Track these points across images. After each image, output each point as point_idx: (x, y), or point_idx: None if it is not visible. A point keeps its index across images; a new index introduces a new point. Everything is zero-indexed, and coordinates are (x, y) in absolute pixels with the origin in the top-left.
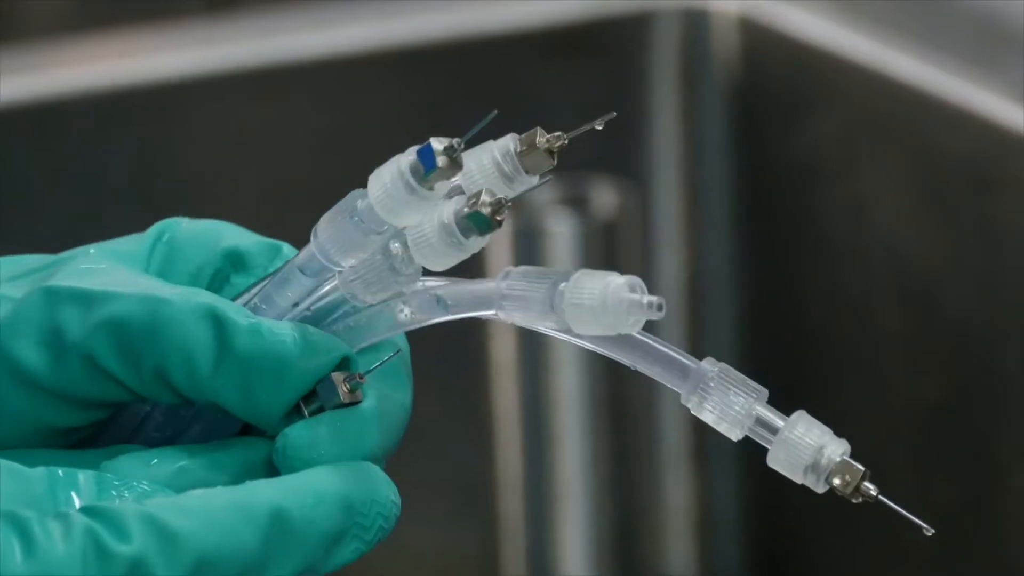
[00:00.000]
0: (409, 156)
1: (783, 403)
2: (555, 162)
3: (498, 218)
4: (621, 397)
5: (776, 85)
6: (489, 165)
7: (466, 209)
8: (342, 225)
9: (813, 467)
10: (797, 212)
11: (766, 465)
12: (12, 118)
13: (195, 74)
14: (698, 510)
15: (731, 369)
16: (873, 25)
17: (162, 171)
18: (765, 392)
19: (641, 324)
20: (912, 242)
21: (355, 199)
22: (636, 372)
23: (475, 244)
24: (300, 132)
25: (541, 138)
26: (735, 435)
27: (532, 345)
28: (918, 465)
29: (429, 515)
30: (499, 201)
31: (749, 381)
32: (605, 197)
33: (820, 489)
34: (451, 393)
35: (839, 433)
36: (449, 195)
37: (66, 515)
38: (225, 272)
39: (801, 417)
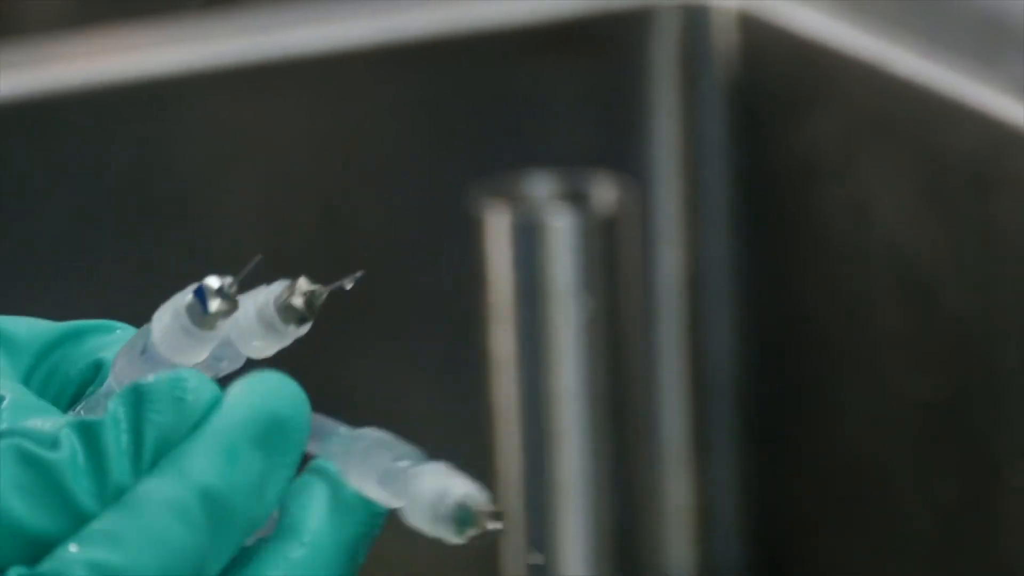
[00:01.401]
0: (186, 296)
1: (784, 402)
2: (312, 318)
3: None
4: (621, 394)
5: (776, 82)
6: (251, 314)
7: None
8: (133, 362)
9: (435, 515)
10: (797, 209)
11: (767, 463)
12: (10, 114)
13: (194, 70)
14: (698, 508)
15: (382, 434)
16: (875, 22)
17: (161, 167)
18: (420, 453)
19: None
20: (913, 240)
21: (145, 334)
22: (635, 371)
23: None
24: (299, 128)
25: (297, 292)
26: (392, 503)
27: (532, 341)
28: (918, 464)
29: None
30: (312, 292)
31: (400, 443)
32: (604, 193)
33: (453, 540)
34: (449, 390)
35: (839, 432)
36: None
37: None
38: (89, 381)
39: (431, 466)
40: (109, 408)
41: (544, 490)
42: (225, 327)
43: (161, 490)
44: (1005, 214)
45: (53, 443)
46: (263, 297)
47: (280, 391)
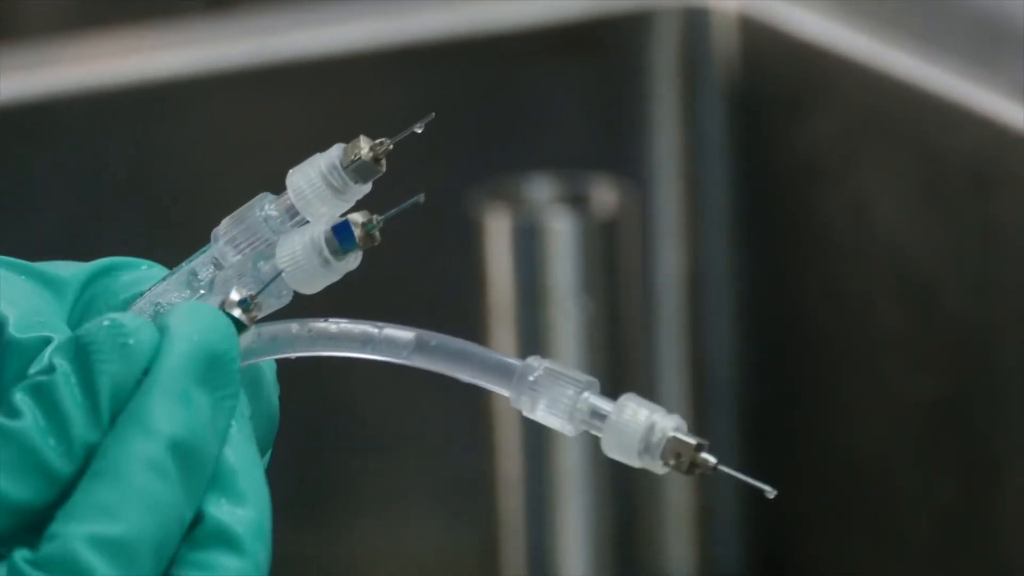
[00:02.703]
0: (324, 228)
1: (783, 402)
2: (383, 168)
3: (372, 235)
4: (621, 394)
5: (776, 84)
6: (316, 179)
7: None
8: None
9: (646, 450)
10: (797, 211)
11: (767, 463)
12: (11, 117)
13: (194, 73)
14: (698, 509)
15: (557, 363)
16: (874, 24)
17: (161, 169)
18: (596, 382)
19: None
20: (912, 241)
21: (259, 260)
22: (637, 372)
23: (346, 264)
24: (300, 131)
25: (365, 147)
26: (569, 430)
27: (532, 343)
28: (918, 464)
29: (429, 514)
30: (370, 220)
31: (578, 373)
32: (605, 195)
33: (659, 471)
34: (450, 392)
35: (839, 432)
36: (283, 216)
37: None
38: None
39: (629, 400)
40: (55, 364)
41: (545, 491)
42: (357, 260)
43: (134, 449)
44: (1004, 214)
45: (12, 412)
46: (324, 162)
47: (213, 324)
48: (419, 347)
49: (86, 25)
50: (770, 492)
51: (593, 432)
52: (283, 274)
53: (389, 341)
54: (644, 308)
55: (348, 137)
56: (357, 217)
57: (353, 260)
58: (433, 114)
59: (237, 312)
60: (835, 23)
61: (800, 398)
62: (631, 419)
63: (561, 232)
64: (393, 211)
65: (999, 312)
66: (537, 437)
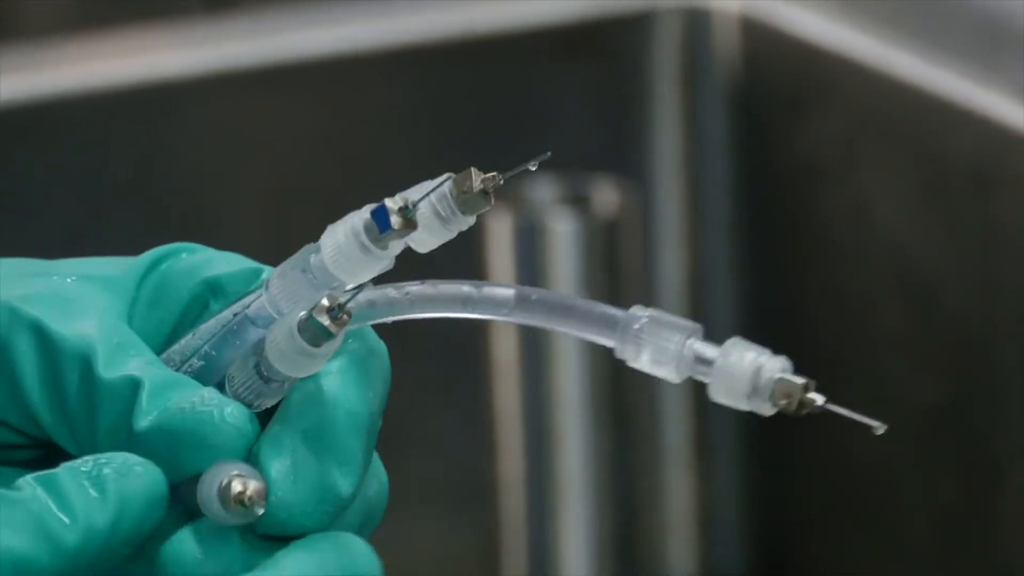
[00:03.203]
0: (364, 215)
1: None
2: (491, 203)
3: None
4: (622, 396)
5: (777, 84)
6: (425, 209)
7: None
8: (294, 279)
9: (755, 392)
10: (798, 211)
11: (768, 463)
12: (12, 117)
13: (195, 73)
14: (699, 509)
15: (663, 313)
16: (875, 24)
17: (163, 170)
18: (700, 328)
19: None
20: (913, 241)
21: (308, 254)
22: (636, 374)
23: (389, 251)
24: (301, 131)
25: (476, 180)
26: (674, 377)
27: (533, 344)
28: (919, 464)
29: (430, 515)
30: (407, 204)
31: (683, 320)
32: (606, 196)
33: (768, 412)
34: (452, 393)
35: (840, 433)
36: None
37: None
38: (204, 299)
39: (735, 344)
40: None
41: (546, 493)
42: (398, 247)
43: None
44: (1005, 215)
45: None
46: (434, 193)
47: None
48: (520, 303)
49: (86, 25)
50: (879, 427)
51: (699, 378)
52: (327, 263)
53: (489, 299)
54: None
55: (349, 137)
56: (392, 202)
57: (396, 246)
58: (549, 153)
59: (326, 320)
60: (836, 24)
61: None
62: (737, 362)
63: (562, 232)
64: (512, 171)
65: (999, 312)
66: (539, 438)
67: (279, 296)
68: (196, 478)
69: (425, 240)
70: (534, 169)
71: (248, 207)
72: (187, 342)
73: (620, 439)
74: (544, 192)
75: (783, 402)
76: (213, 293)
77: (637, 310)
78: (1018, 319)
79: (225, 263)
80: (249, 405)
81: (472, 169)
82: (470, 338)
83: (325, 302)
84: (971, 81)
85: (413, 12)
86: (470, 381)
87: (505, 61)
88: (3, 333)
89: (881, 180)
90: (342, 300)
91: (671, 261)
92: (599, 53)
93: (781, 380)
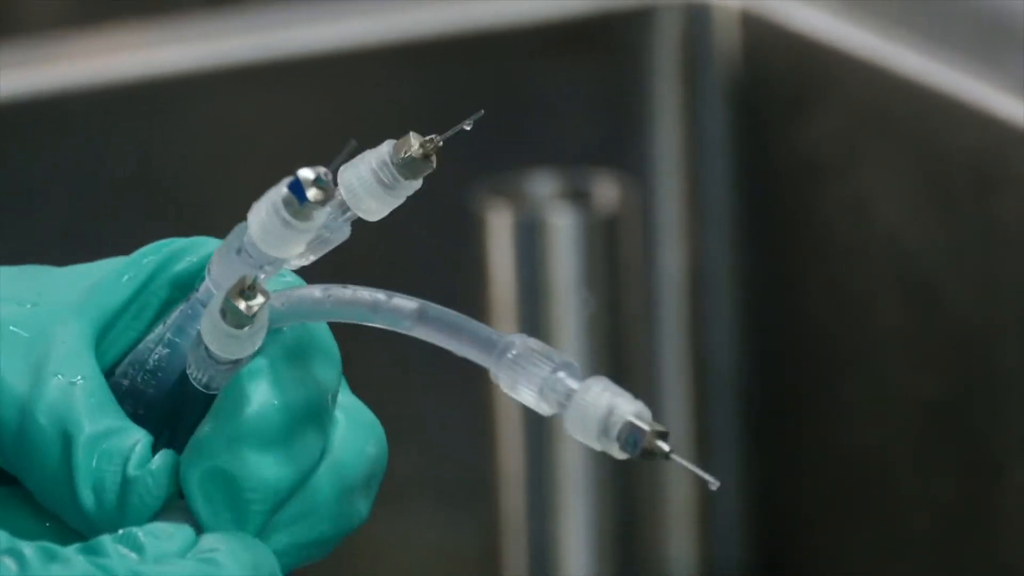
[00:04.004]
0: (281, 189)
1: (784, 401)
2: (433, 165)
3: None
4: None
5: (778, 81)
6: (367, 176)
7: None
8: (230, 259)
9: (604, 432)
10: (799, 208)
11: (768, 462)
12: (12, 113)
13: (195, 69)
14: (700, 506)
15: (540, 344)
16: (876, 21)
17: (163, 166)
18: (574, 364)
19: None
20: (914, 239)
21: (240, 233)
22: (637, 370)
23: (310, 224)
24: (302, 127)
25: (415, 144)
26: (544, 409)
27: (533, 338)
28: (919, 463)
29: (429, 512)
30: (429, 141)
31: (558, 354)
32: (606, 192)
33: (617, 454)
34: (451, 389)
35: (840, 431)
36: (336, 212)
37: None
38: (174, 298)
39: (595, 382)
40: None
41: (546, 489)
42: (321, 217)
43: None
44: (1006, 213)
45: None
46: (374, 158)
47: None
48: (421, 318)
49: (86, 21)
50: (713, 484)
51: (560, 412)
52: (256, 240)
53: (394, 310)
54: (645, 304)
55: (349, 133)
56: (306, 173)
57: (320, 215)
58: (482, 111)
59: (241, 303)
60: (837, 20)
61: (801, 396)
62: (593, 401)
63: (562, 228)
64: (450, 131)
65: (1000, 311)
66: (539, 435)
67: (219, 277)
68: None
69: (372, 208)
70: (468, 128)
71: (248, 203)
72: (158, 332)
73: None
74: (544, 187)
75: (628, 448)
76: (181, 291)
77: (516, 338)
78: (1019, 317)
79: (192, 253)
80: (207, 387)
81: (411, 133)
82: None
83: (237, 284)
84: (973, 78)
85: (413, 8)
86: (469, 377)
87: (505, 57)
88: None
89: (882, 177)
90: (251, 281)
91: (671, 257)
92: (600, 49)
93: (630, 424)
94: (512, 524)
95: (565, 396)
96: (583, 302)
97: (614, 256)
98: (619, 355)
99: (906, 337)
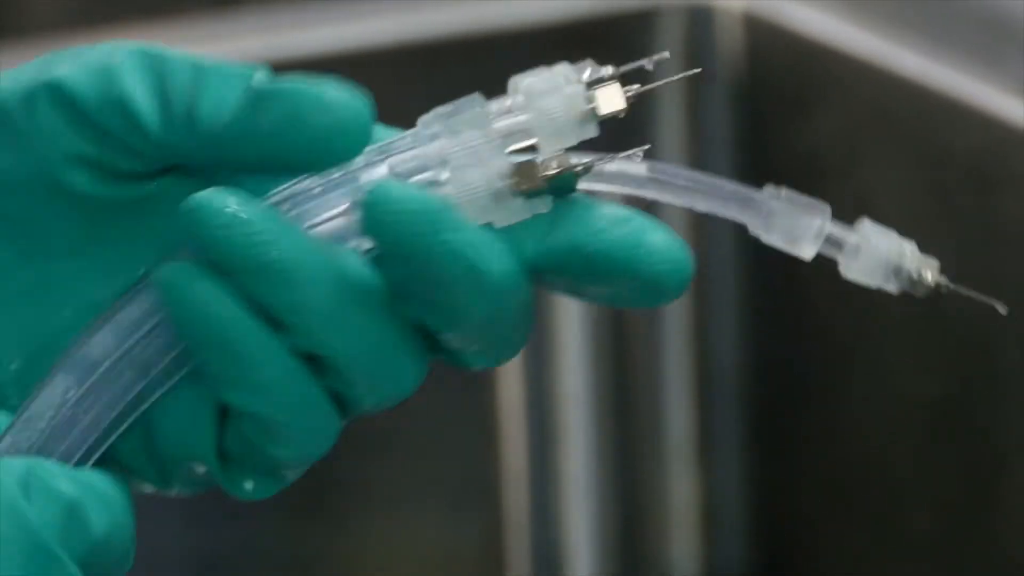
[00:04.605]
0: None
1: (787, 402)
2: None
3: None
4: (626, 393)
5: (781, 82)
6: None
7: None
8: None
9: (896, 272)
10: None
11: (771, 463)
12: None
13: None
14: (703, 506)
15: (795, 194)
16: (878, 22)
17: None
18: (827, 207)
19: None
20: (917, 239)
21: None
22: (640, 370)
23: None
24: None
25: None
26: (807, 253)
27: (537, 341)
28: (922, 462)
29: (433, 512)
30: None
31: (814, 200)
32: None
33: (896, 290)
34: (455, 389)
35: (843, 432)
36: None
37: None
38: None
39: (868, 226)
40: None
41: (550, 490)
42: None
43: None
44: (1008, 212)
45: None
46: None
47: None
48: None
49: (88, 22)
50: (1001, 307)
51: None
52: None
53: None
54: (648, 308)
55: None
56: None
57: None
58: (648, 145)
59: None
60: (839, 21)
61: (804, 397)
62: (877, 245)
63: None
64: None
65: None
66: (542, 435)
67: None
68: None
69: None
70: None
71: None
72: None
73: (623, 436)
74: None
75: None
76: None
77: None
78: (1021, 316)
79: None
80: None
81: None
82: None
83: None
84: (975, 78)
85: (418, 10)
86: (473, 378)
87: (507, 59)
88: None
89: (884, 177)
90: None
91: None
92: (602, 50)
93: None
94: (516, 525)
95: (843, 244)
96: (586, 307)
97: None
98: (623, 357)
99: (908, 338)
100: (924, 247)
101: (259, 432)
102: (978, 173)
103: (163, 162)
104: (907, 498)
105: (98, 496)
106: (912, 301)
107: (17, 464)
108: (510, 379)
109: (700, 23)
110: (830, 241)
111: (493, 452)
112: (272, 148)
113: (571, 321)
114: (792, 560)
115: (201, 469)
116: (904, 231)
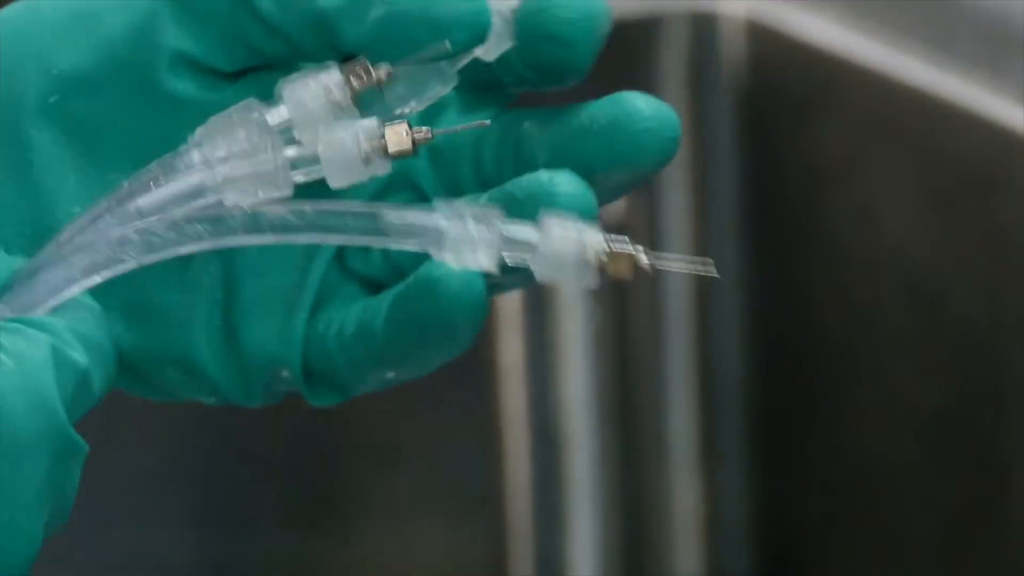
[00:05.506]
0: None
1: (791, 408)
2: (415, 154)
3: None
4: (629, 400)
5: (784, 88)
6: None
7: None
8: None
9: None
10: (805, 215)
11: (775, 469)
12: None
13: None
14: (707, 513)
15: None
16: (881, 29)
17: None
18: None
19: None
20: (920, 246)
21: None
22: (643, 377)
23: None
24: None
25: (404, 133)
26: (488, 264)
27: (540, 348)
28: (925, 469)
29: (437, 522)
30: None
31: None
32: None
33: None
34: (458, 397)
35: (847, 439)
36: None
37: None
38: None
39: (550, 219)
40: None
41: (553, 497)
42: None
43: None
44: (1012, 219)
45: None
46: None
47: None
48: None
49: None
50: (710, 270)
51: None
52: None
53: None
54: (651, 314)
55: None
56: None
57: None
58: (488, 121)
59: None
60: (843, 28)
61: (807, 403)
62: (561, 237)
63: None
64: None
65: (1007, 317)
66: (546, 443)
67: None
68: None
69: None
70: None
71: None
72: None
73: (627, 443)
74: None
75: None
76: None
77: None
78: None
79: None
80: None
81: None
82: (475, 345)
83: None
84: (978, 85)
85: None
86: (476, 385)
87: None
88: None
89: (888, 184)
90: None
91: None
92: (606, 58)
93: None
94: (520, 533)
95: (525, 247)
96: (590, 312)
97: None
98: (626, 364)
99: (912, 345)
100: (928, 254)
101: None
102: (981, 180)
103: (259, 55)
104: (911, 506)
105: (102, 358)
106: (915, 308)
107: (43, 340)
108: (513, 387)
109: (704, 31)
110: (515, 247)
111: (496, 460)
112: (384, 32)
113: (574, 328)
114: (795, 567)
115: (286, 373)
116: (909, 238)
